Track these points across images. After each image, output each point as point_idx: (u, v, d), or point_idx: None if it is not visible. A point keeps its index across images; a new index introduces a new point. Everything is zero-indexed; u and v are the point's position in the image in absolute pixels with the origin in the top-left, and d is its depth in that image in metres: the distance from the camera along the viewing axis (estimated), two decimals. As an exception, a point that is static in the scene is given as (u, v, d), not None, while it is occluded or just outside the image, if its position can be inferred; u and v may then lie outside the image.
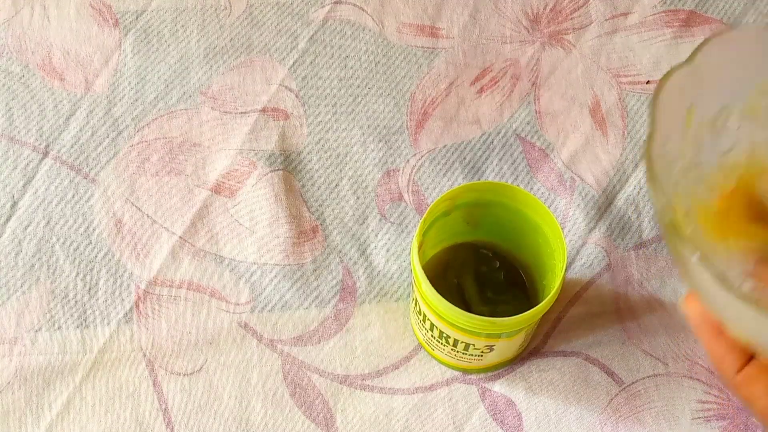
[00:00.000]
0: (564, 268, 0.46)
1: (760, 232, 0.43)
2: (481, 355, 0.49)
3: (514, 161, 0.58)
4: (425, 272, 0.46)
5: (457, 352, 0.50)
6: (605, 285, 0.55)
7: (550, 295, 0.45)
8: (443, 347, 0.50)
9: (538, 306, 0.45)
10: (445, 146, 0.59)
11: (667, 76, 0.38)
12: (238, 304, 0.55)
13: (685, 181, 0.42)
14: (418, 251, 0.47)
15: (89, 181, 0.58)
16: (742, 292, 0.34)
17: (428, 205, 0.55)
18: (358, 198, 0.58)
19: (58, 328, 0.54)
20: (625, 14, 0.63)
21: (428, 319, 0.48)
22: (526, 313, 0.45)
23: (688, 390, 0.53)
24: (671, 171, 0.40)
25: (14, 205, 0.57)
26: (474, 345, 0.48)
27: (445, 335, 0.48)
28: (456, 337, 0.48)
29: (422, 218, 0.47)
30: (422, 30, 0.62)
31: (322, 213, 0.57)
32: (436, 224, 0.49)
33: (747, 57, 0.42)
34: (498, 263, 0.53)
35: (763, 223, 0.43)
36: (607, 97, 0.60)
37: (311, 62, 0.61)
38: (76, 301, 0.55)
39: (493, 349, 0.49)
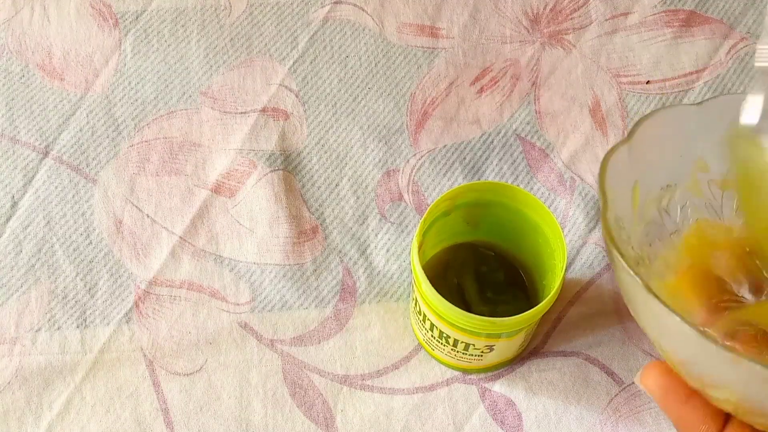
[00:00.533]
0: (564, 268, 0.46)
1: (720, 308, 0.43)
2: (481, 355, 0.50)
3: (514, 161, 0.58)
4: (425, 272, 0.46)
5: (457, 352, 0.50)
6: (605, 285, 0.55)
7: (550, 295, 0.45)
8: (443, 347, 0.50)
9: (538, 306, 0.45)
10: (445, 146, 0.59)
11: (610, 152, 0.38)
12: (238, 304, 0.55)
13: (640, 258, 0.42)
14: (418, 251, 0.47)
15: (89, 181, 0.58)
16: (725, 345, 0.33)
17: (428, 205, 0.55)
18: (358, 198, 0.58)
19: (58, 328, 0.54)
20: (625, 14, 0.63)
21: (428, 319, 0.48)
22: (526, 313, 0.45)
23: (688, 390, 0.53)
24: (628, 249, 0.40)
25: (14, 205, 0.57)
26: (474, 345, 0.48)
27: (445, 335, 0.48)
28: (456, 337, 0.48)
29: (422, 218, 0.47)
30: (422, 30, 0.62)
31: (322, 213, 0.57)
32: (436, 224, 0.49)
33: (683, 134, 0.42)
34: (498, 263, 0.53)
35: (723, 299, 0.43)
36: (607, 97, 0.60)
37: (311, 62, 0.61)
38: (76, 301, 0.55)
39: (493, 349, 0.49)
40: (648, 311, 0.36)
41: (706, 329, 0.42)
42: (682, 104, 0.42)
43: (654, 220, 0.43)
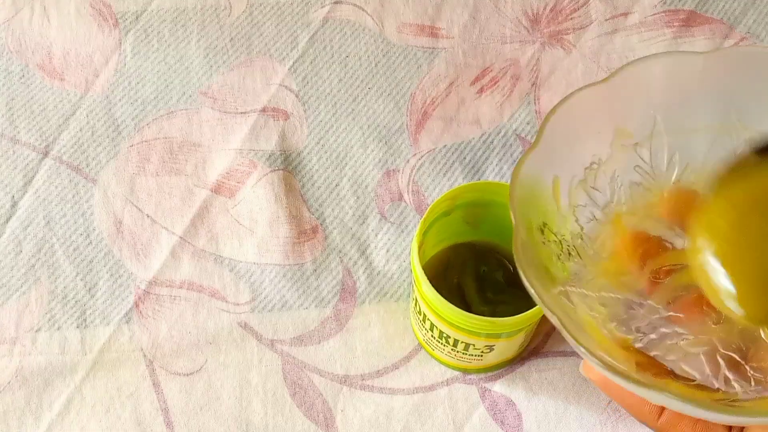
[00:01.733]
0: None
1: (662, 273, 0.43)
2: (481, 355, 0.50)
3: (514, 161, 0.58)
4: (425, 272, 0.46)
5: (457, 352, 0.50)
6: (605, 285, 0.55)
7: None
8: (443, 347, 0.50)
9: (538, 306, 0.45)
10: (445, 146, 0.59)
11: (519, 166, 0.40)
12: (238, 304, 0.55)
13: (574, 249, 0.43)
14: (418, 251, 0.47)
15: (89, 181, 0.58)
16: (634, 377, 0.36)
17: (428, 205, 0.55)
18: (358, 198, 0.58)
19: (58, 328, 0.54)
20: (625, 14, 0.63)
21: (428, 319, 0.48)
22: (526, 313, 0.45)
23: (688, 390, 0.53)
24: (553, 254, 0.42)
25: (14, 205, 0.57)
26: (474, 345, 0.48)
27: (445, 335, 0.48)
28: (456, 337, 0.48)
29: (422, 218, 0.47)
30: (422, 30, 0.62)
31: (322, 213, 0.57)
32: (437, 224, 0.49)
33: (596, 114, 0.43)
34: (498, 263, 0.53)
35: (664, 264, 0.44)
36: (607, 97, 0.60)
37: (311, 62, 0.61)
38: (76, 301, 0.55)
39: (493, 349, 0.49)
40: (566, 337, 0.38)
41: (650, 303, 0.42)
42: (586, 87, 0.42)
43: (584, 202, 0.43)
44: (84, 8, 0.62)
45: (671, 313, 0.43)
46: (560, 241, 0.43)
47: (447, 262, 0.52)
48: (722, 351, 0.41)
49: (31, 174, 0.58)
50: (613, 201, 0.45)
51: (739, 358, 0.41)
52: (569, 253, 0.43)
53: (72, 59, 0.61)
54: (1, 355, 0.53)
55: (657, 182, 0.45)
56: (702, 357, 0.41)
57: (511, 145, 0.59)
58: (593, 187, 0.44)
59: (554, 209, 0.43)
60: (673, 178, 0.45)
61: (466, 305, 0.51)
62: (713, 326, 0.42)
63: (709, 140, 0.44)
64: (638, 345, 0.42)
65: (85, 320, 0.54)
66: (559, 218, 0.43)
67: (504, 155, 0.58)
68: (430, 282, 0.46)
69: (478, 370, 0.53)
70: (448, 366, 0.53)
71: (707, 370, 0.41)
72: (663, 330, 0.42)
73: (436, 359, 0.53)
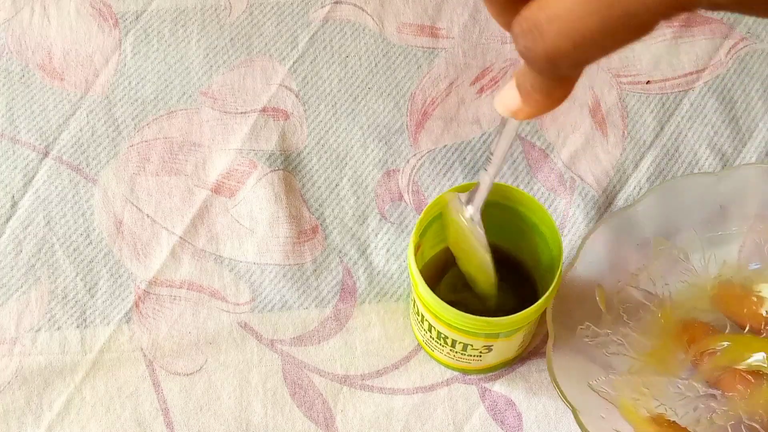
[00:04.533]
0: (560, 267, 0.46)
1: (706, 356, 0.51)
2: (480, 356, 0.50)
3: (514, 161, 0.58)
4: (424, 273, 0.46)
5: (456, 352, 0.50)
6: (605, 285, 0.55)
7: (546, 294, 0.45)
8: (442, 348, 0.50)
9: (534, 305, 0.45)
10: (445, 146, 0.59)
11: (557, 283, 0.46)
12: (238, 304, 0.55)
13: (621, 342, 0.51)
14: (416, 253, 0.47)
15: (89, 181, 0.58)
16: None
17: (428, 205, 0.55)
18: (358, 198, 0.58)
19: (58, 328, 0.54)
20: (625, 14, 0.62)
21: (426, 320, 0.48)
22: (522, 312, 0.45)
23: (688, 390, 0.53)
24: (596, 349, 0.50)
25: (14, 205, 0.57)
26: (472, 345, 0.48)
27: (443, 336, 0.48)
28: (454, 338, 0.48)
29: (418, 220, 0.47)
30: (422, 30, 0.62)
31: (322, 213, 0.57)
32: (434, 225, 0.49)
33: (630, 232, 0.52)
34: (497, 263, 0.53)
35: (708, 346, 0.51)
36: (607, 97, 0.60)
37: (311, 62, 0.61)
38: (76, 301, 0.55)
39: (492, 349, 0.49)
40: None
41: (691, 382, 0.50)
42: (615, 213, 0.52)
43: (632, 303, 0.51)
44: (84, 8, 0.62)
45: (711, 391, 0.50)
46: (606, 335, 0.50)
47: (445, 262, 0.52)
48: (746, 422, 0.48)
49: (31, 174, 0.58)
50: (660, 297, 0.52)
51: (760, 427, 0.48)
52: (617, 345, 0.50)
53: (72, 59, 0.61)
54: (1, 355, 0.53)
55: (700, 279, 0.52)
56: (729, 428, 0.48)
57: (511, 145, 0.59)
58: (639, 288, 0.52)
59: (600, 310, 0.50)
60: (714, 274, 0.52)
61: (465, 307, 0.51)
62: (741, 401, 0.49)
63: (740, 240, 0.52)
64: (673, 418, 0.48)
65: (85, 320, 0.54)
66: (606, 318, 0.50)
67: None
68: (429, 282, 0.46)
69: (478, 371, 0.53)
70: (447, 367, 0.53)
71: None
72: (700, 406, 0.49)
73: (435, 360, 0.53)
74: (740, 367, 0.50)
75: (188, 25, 0.62)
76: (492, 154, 0.41)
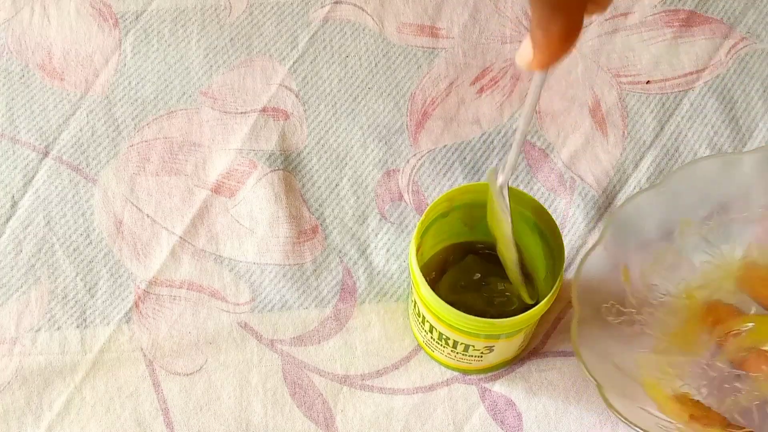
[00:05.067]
0: (562, 267, 0.46)
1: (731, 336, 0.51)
2: (481, 356, 0.50)
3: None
4: (423, 273, 0.46)
5: (457, 353, 0.50)
6: (605, 285, 0.55)
7: (548, 296, 0.45)
8: (443, 348, 0.50)
9: (537, 306, 0.45)
10: (445, 146, 0.59)
11: (582, 262, 0.47)
12: (238, 304, 0.55)
13: (647, 321, 0.51)
14: (416, 253, 0.47)
15: (89, 181, 0.58)
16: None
17: (428, 205, 0.55)
18: (358, 198, 0.58)
19: (58, 328, 0.54)
20: (625, 14, 0.63)
21: (427, 321, 0.48)
22: (525, 313, 0.45)
23: (688, 390, 0.53)
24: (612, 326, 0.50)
25: (14, 205, 0.57)
26: (474, 346, 0.48)
27: (444, 337, 0.48)
28: (455, 339, 0.48)
29: (420, 220, 0.47)
30: (422, 30, 0.62)
31: (322, 213, 0.57)
32: (434, 226, 0.49)
33: (653, 212, 0.51)
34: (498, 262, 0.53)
35: (733, 326, 0.51)
36: (607, 97, 0.60)
37: (311, 62, 0.61)
38: (76, 301, 0.55)
39: (493, 349, 0.49)
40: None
41: (716, 362, 0.50)
42: (642, 191, 0.52)
43: (657, 282, 0.51)
44: (84, 8, 0.62)
45: (735, 372, 0.49)
46: (630, 315, 0.50)
47: (445, 262, 0.52)
48: None
49: (31, 174, 0.58)
50: (686, 278, 0.52)
51: None
52: (641, 324, 0.50)
53: (72, 59, 0.61)
54: (1, 355, 0.53)
55: (725, 259, 0.52)
56: (754, 408, 0.48)
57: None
58: (665, 268, 0.51)
59: (625, 290, 0.50)
60: (739, 255, 0.52)
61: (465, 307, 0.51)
62: (766, 382, 0.49)
63: (765, 221, 0.52)
64: (697, 398, 0.49)
65: (85, 320, 0.54)
66: (631, 297, 0.50)
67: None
68: (429, 282, 0.46)
69: (478, 371, 0.53)
70: (447, 367, 0.53)
71: (757, 420, 0.48)
72: (725, 386, 0.49)
73: (435, 360, 0.53)
74: (765, 348, 0.50)
75: (188, 25, 0.62)
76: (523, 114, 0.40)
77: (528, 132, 0.48)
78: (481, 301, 0.51)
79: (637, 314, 0.50)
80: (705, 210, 0.52)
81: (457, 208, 0.49)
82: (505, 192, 0.44)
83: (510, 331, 0.47)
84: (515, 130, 0.42)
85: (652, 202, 0.51)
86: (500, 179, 0.44)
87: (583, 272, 0.49)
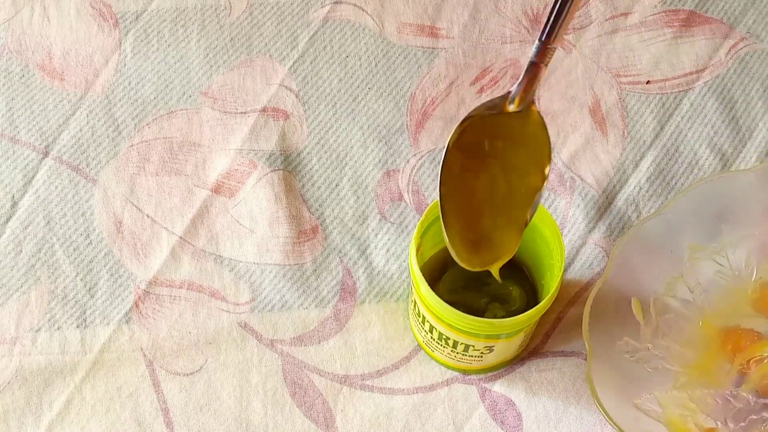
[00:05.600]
0: (562, 267, 0.46)
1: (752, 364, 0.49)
2: (481, 356, 0.50)
3: (514, 161, 0.58)
4: (423, 274, 0.46)
5: (457, 353, 0.50)
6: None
7: (548, 295, 0.45)
8: (443, 349, 0.50)
9: (537, 306, 0.45)
10: (445, 146, 0.59)
11: (589, 299, 0.46)
12: (238, 304, 0.55)
13: (663, 354, 0.49)
14: (416, 253, 0.47)
15: (89, 181, 0.58)
16: None
17: (428, 205, 0.55)
18: (358, 198, 0.58)
19: (58, 328, 0.54)
20: (625, 14, 0.63)
21: (427, 321, 0.48)
22: (525, 313, 0.45)
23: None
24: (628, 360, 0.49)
25: (14, 205, 0.57)
26: (474, 346, 0.48)
27: (444, 337, 0.48)
28: (455, 339, 0.48)
29: (419, 221, 0.47)
30: (422, 30, 0.62)
31: (322, 213, 0.57)
32: (434, 226, 0.49)
33: (660, 241, 0.50)
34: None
35: (754, 354, 0.49)
36: (607, 97, 0.60)
37: (311, 62, 0.61)
38: (76, 301, 0.55)
39: (493, 350, 0.49)
40: None
41: (741, 392, 0.48)
42: (646, 219, 0.50)
43: (670, 313, 0.50)
44: (84, 8, 0.62)
45: (762, 401, 0.47)
46: (647, 350, 0.49)
47: (445, 262, 0.52)
48: None
49: (31, 174, 0.58)
50: (699, 305, 0.50)
51: None
52: (658, 359, 0.48)
53: (72, 59, 0.61)
54: (1, 355, 0.53)
55: (739, 281, 0.50)
56: None
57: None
58: (677, 298, 0.50)
59: (637, 323, 0.49)
60: (754, 276, 0.50)
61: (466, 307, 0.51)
62: None
63: None
64: None
65: (85, 320, 0.54)
66: (645, 330, 0.49)
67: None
68: (429, 281, 0.46)
69: (478, 371, 0.53)
70: (447, 367, 0.53)
71: None
72: (752, 417, 0.47)
73: (435, 360, 0.53)
74: None
75: (188, 25, 0.62)
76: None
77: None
78: (481, 301, 0.51)
79: (653, 348, 0.49)
80: (712, 231, 0.51)
81: None
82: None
83: (510, 331, 0.47)
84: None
85: (657, 229, 0.50)
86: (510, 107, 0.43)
87: (593, 309, 0.48)
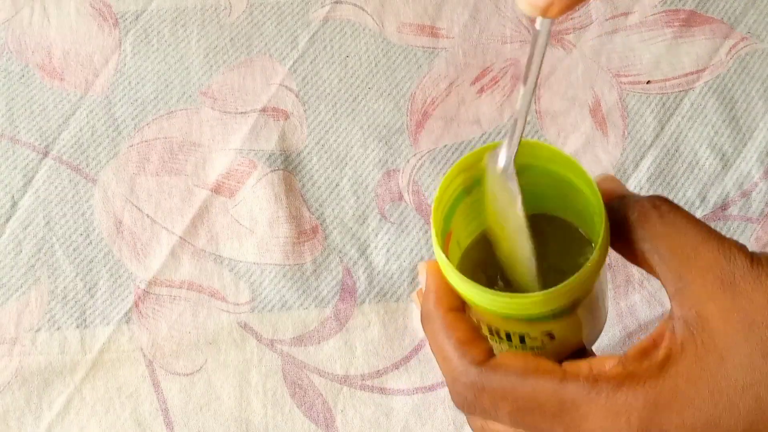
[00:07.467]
0: (605, 215, 0.37)
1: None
2: (543, 347, 0.40)
3: (515, 161, 0.58)
4: (465, 262, 0.40)
5: (515, 347, 0.41)
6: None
7: (597, 246, 0.37)
8: (499, 345, 0.41)
9: (589, 261, 0.36)
10: (445, 146, 0.59)
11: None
12: (238, 304, 0.55)
13: None
14: (449, 242, 0.39)
15: (89, 181, 0.58)
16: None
17: (428, 206, 0.55)
18: (358, 198, 0.58)
19: (58, 328, 0.54)
20: (626, 14, 0.63)
21: (474, 315, 0.40)
22: (575, 276, 0.35)
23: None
24: None
25: (14, 205, 0.57)
26: (528, 334, 0.39)
27: (493, 329, 0.40)
28: (498, 327, 0.39)
29: (434, 206, 0.38)
30: (422, 30, 0.62)
31: (322, 213, 0.57)
32: (460, 208, 0.40)
33: None
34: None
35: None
36: (607, 97, 0.60)
37: (311, 62, 0.61)
38: (76, 301, 0.55)
39: (554, 337, 0.40)
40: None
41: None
42: None
43: None
44: (84, 8, 0.62)
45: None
46: None
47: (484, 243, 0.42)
48: None
49: (31, 174, 0.58)
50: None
51: None
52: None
53: (72, 59, 0.61)
54: (1, 355, 0.53)
55: None
56: None
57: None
58: None
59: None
60: None
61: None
62: None
63: None
64: None
65: (85, 320, 0.54)
66: None
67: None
68: (471, 272, 0.38)
69: None
70: None
71: None
72: None
73: None
74: None
75: (188, 25, 0.62)
76: (525, 80, 0.35)
77: (533, 96, 0.41)
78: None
79: None
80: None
81: (479, 182, 0.39)
82: (512, 171, 0.37)
83: (563, 304, 0.37)
84: (519, 96, 0.36)
85: None
86: (503, 160, 0.37)
87: None
